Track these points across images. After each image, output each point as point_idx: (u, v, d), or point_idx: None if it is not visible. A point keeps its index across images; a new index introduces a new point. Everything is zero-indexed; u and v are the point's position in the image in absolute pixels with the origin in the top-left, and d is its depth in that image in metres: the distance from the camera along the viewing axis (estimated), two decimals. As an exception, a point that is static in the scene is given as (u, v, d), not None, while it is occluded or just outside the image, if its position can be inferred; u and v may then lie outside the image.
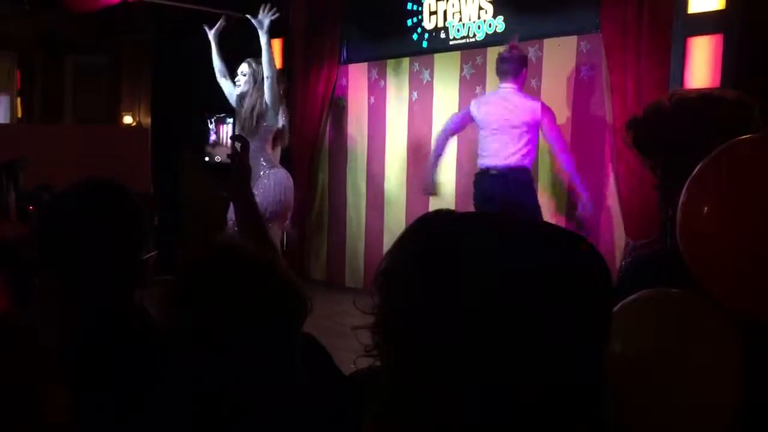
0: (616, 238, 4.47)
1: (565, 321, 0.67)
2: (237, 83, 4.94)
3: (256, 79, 4.86)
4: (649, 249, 1.52)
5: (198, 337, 1.13)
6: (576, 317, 0.68)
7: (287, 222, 5.06)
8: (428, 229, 0.75)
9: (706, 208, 0.95)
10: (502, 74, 4.49)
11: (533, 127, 4.37)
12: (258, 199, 4.64)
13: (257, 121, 4.81)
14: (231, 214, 4.32)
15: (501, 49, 4.78)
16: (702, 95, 1.43)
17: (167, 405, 1.14)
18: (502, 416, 0.67)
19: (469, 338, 0.67)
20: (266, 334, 1.15)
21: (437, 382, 0.68)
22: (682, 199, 0.98)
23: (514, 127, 4.35)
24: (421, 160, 5.53)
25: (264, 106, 4.79)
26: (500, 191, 4.33)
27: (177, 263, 1.26)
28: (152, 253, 1.43)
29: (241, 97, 4.91)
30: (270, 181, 4.77)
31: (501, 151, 4.38)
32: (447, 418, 0.68)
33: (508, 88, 4.45)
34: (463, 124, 4.71)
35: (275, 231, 4.85)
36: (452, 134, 4.79)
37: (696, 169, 0.99)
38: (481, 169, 4.50)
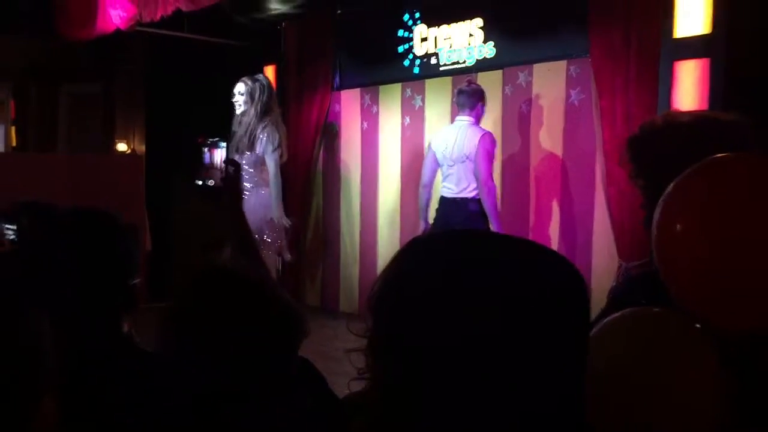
0: (608, 260, 4.49)
1: (546, 338, 0.69)
2: (236, 103, 4.97)
3: (254, 97, 4.89)
4: (640, 270, 1.54)
5: (195, 360, 1.14)
6: (557, 337, 0.70)
7: (282, 244, 5.04)
8: (418, 252, 0.77)
9: (678, 225, 0.97)
10: (459, 106, 4.70)
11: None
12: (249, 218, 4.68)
13: (250, 139, 4.84)
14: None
15: (493, 73, 4.86)
16: (697, 116, 1.46)
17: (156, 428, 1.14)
18: None
19: (454, 361, 0.68)
20: (263, 357, 1.16)
21: (423, 400, 0.70)
22: (656, 216, 1.00)
23: (466, 158, 4.52)
24: (415, 184, 5.57)
25: (255, 123, 4.83)
26: (457, 221, 4.51)
27: (171, 288, 1.28)
28: (137, 280, 1.45)
29: (241, 116, 4.94)
30: (253, 201, 4.77)
31: (459, 182, 4.59)
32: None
33: (464, 120, 4.64)
34: (434, 168, 4.82)
35: (271, 255, 4.86)
36: (431, 184, 4.87)
37: (669, 187, 1.01)
38: (441, 198, 4.72)
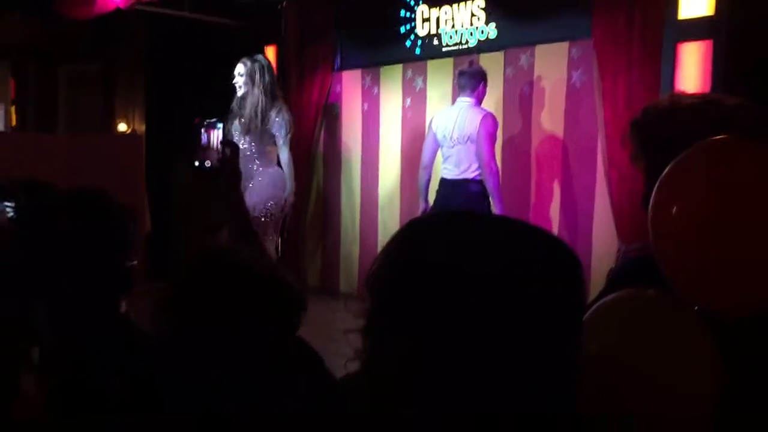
0: (609, 243, 4.49)
1: (541, 321, 0.69)
2: (236, 85, 4.96)
3: (254, 78, 4.88)
4: (639, 252, 1.54)
5: (192, 342, 1.14)
6: (554, 319, 0.70)
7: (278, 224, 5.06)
8: (416, 234, 0.77)
9: (674, 207, 0.97)
10: (460, 88, 4.67)
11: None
12: (252, 198, 4.71)
13: (263, 120, 4.83)
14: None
15: (495, 55, 4.84)
16: (702, 98, 1.45)
17: (154, 413, 1.14)
18: (479, 413, 0.69)
19: (452, 342, 0.69)
20: (261, 339, 1.16)
21: (419, 381, 0.70)
22: (653, 198, 1.00)
23: (468, 140, 4.49)
24: (415, 166, 5.56)
25: (266, 103, 4.83)
26: (458, 203, 4.49)
27: (170, 269, 1.28)
28: (134, 261, 1.44)
29: (242, 98, 4.92)
30: (264, 180, 4.82)
31: (459, 163, 4.56)
32: (428, 413, 0.70)
33: (465, 101, 4.60)
34: (434, 149, 4.80)
35: (270, 236, 4.87)
36: (431, 164, 4.85)
37: (666, 170, 1.00)
38: (442, 179, 4.69)
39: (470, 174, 4.54)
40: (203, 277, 1.20)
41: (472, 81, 4.60)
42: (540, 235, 0.76)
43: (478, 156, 4.47)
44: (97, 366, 1.23)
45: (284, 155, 4.95)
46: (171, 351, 1.16)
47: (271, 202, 4.84)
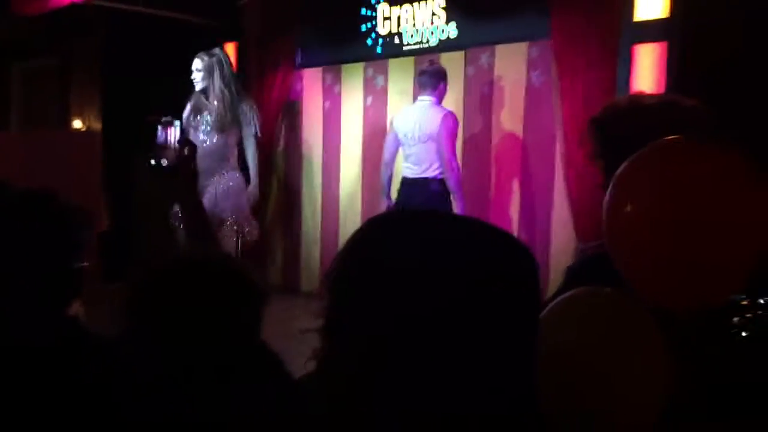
0: (567, 241, 4.55)
1: (500, 320, 0.70)
2: (194, 80, 4.89)
3: (212, 72, 4.82)
4: (596, 250, 1.57)
5: (147, 343, 1.13)
6: (511, 317, 0.71)
7: (248, 227, 5.01)
8: (374, 232, 0.77)
9: (626, 206, 0.99)
10: (421, 86, 4.68)
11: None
12: (218, 200, 4.66)
13: (233, 116, 4.78)
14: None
15: (455, 54, 4.87)
16: (661, 99, 1.48)
17: (103, 419, 1.13)
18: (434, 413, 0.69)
19: (409, 341, 0.69)
20: (219, 340, 1.15)
21: (376, 380, 0.70)
22: (607, 196, 1.02)
23: (428, 138, 4.51)
24: (376, 164, 5.56)
25: (233, 98, 4.78)
26: (418, 201, 4.50)
27: (129, 270, 1.26)
28: (85, 263, 1.41)
29: (203, 93, 4.86)
30: (232, 185, 4.79)
31: (420, 162, 4.58)
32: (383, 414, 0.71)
33: (426, 100, 4.61)
34: (395, 148, 4.81)
35: (230, 235, 4.82)
36: (392, 162, 4.86)
37: (620, 168, 1.02)
38: (403, 178, 4.70)
39: (431, 173, 4.56)
40: (158, 277, 1.18)
41: (432, 80, 4.61)
42: (498, 235, 0.77)
43: (440, 154, 4.49)
44: (43, 369, 1.21)
45: (251, 149, 4.92)
46: (123, 353, 1.15)
47: (235, 208, 4.81)
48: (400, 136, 4.69)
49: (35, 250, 1.32)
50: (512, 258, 0.74)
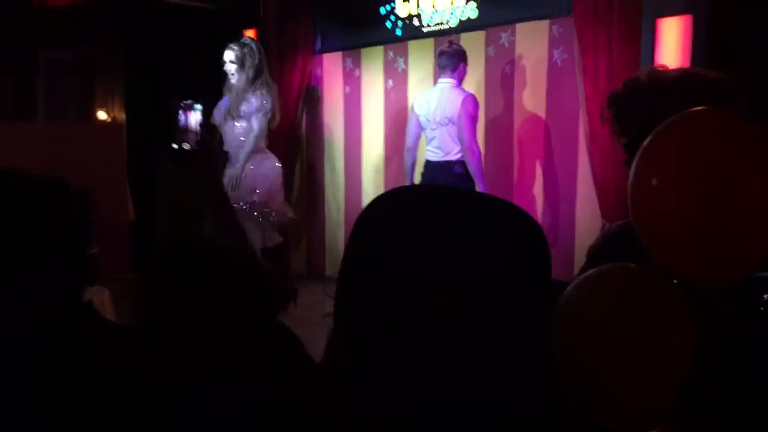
0: (592, 220, 4.51)
1: (509, 301, 0.66)
2: (228, 72, 4.92)
3: (244, 63, 4.84)
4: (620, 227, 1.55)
5: (165, 331, 1.13)
6: (514, 303, 0.66)
7: (284, 210, 5.05)
8: (370, 216, 0.72)
9: (652, 180, 0.97)
10: (441, 68, 4.64)
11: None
12: (241, 186, 4.69)
13: (242, 102, 4.81)
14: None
15: (476, 34, 4.83)
16: (682, 72, 1.44)
17: (121, 406, 1.13)
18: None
19: (401, 329, 0.65)
20: (235, 328, 1.16)
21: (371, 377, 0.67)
22: (632, 170, 1.00)
23: (449, 122, 4.49)
24: (399, 148, 5.55)
25: (247, 85, 4.80)
26: (443, 183, 4.43)
27: (150, 258, 1.26)
28: (95, 249, 1.41)
29: (231, 83, 4.90)
30: (260, 171, 4.82)
31: (443, 145, 4.55)
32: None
33: (446, 82, 4.58)
34: (417, 132, 4.78)
35: (258, 219, 4.86)
36: (415, 147, 4.84)
37: (645, 141, 1.00)
38: (426, 162, 4.68)
39: (454, 156, 4.54)
40: (176, 266, 1.19)
41: (451, 61, 4.58)
42: (495, 204, 0.71)
43: (460, 138, 4.46)
44: (59, 358, 1.22)
45: (254, 130, 4.84)
46: (139, 338, 1.16)
47: (258, 191, 4.83)
48: (422, 119, 4.66)
49: (47, 236, 1.32)
50: (514, 228, 0.69)
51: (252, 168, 4.83)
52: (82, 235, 1.37)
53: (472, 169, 4.45)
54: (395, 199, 0.74)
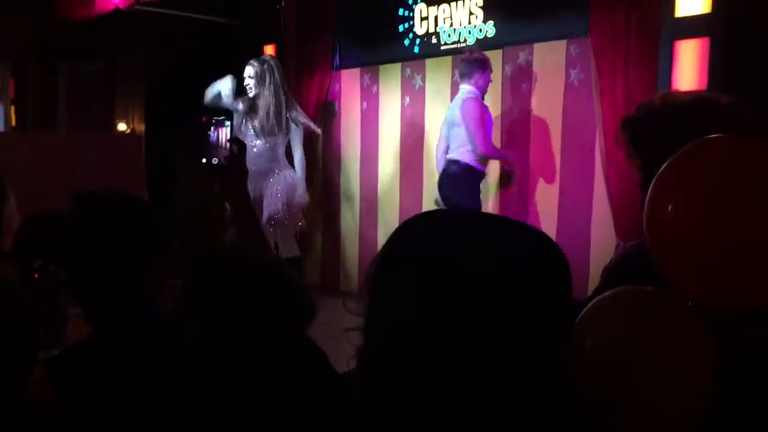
0: (607, 240, 4.51)
1: (528, 316, 0.71)
2: (247, 87, 4.99)
3: (264, 79, 4.91)
4: (635, 248, 1.56)
5: (207, 338, 1.17)
6: (537, 310, 0.72)
7: (299, 222, 5.15)
8: (408, 235, 0.79)
9: (668, 205, 0.98)
10: (460, 76, 4.84)
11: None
12: (266, 201, 4.76)
13: (278, 121, 4.89)
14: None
15: (493, 53, 4.89)
16: (695, 97, 1.46)
17: (175, 402, 1.17)
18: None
19: (441, 334, 0.71)
20: (270, 337, 1.18)
21: (407, 374, 0.72)
22: (648, 195, 1.01)
23: (455, 125, 4.72)
24: (414, 164, 5.58)
25: (278, 104, 4.89)
26: (444, 182, 4.80)
27: (182, 267, 1.30)
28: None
29: (253, 100, 4.96)
30: (279, 185, 4.89)
31: (453, 145, 4.78)
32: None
33: (463, 89, 4.74)
34: (446, 136, 4.92)
35: (289, 232, 4.95)
36: (443, 153, 4.93)
37: (663, 166, 1.02)
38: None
39: (457, 155, 4.72)
40: (211, 276, 1.22)
41: (466, 68, 4.72)
42: (520, 229, 0.78)
43: (468, 138, 4.62)
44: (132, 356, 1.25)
45: (298, 155, 5.07)
46: (183, 344, 1.19)
47: (283, 208, 4.90)
48: (447, 124, 4.85)
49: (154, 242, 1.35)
50: (539, 252, 0.75)
51: (284, 182, 4.92)
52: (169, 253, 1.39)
53: (493, 156, 4.74)
54: (432, 219, 0.82)
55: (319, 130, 5.06)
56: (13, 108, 7.51)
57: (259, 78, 4.91)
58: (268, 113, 4.87)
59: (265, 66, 4.93)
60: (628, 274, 1.20)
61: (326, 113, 6.25)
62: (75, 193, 1.37)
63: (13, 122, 7.50)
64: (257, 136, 4.90)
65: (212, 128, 1.67)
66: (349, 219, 6.22)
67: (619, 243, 4.28)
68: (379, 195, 5.97)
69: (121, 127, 7.30)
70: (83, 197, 1.37)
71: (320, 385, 1.23)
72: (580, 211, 4.76)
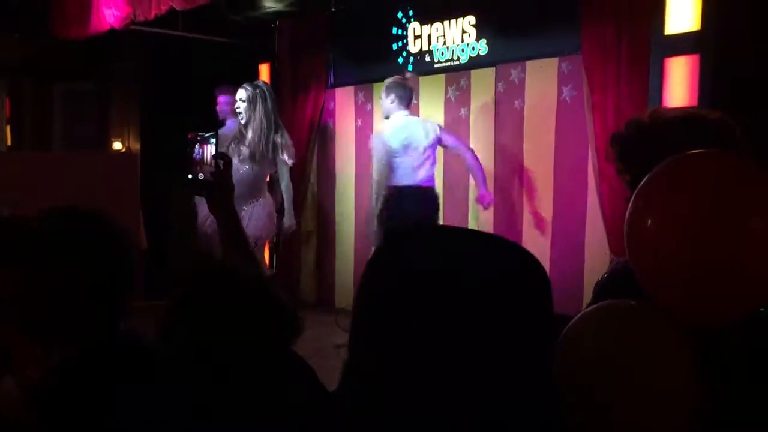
0: (601, 256, 4.53)
1: (510, 330, 0.73)
2: (237, 110, 4.97)
3: (255, 104, 4.89)
4: (624, 263, 1.57)
5: (191, 357, 1.17)
6: (519, 325, 0.73)
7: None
8: (391, 248, 0.80)
9: (646, 220, 1.00)
10: (400, 101, 4.94)
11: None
12: (247, 227, 4.73)
13: (266, 147, 4.85)
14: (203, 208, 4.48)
15: (486, 71, 4.93)
16: (683, 113, 1.48)
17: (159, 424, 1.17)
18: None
19: (426, 343, 0.72)
20: (257, 354, 1.19)
21: (393, 383, 0.73)
22: (629, 210, 1.03)
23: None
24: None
25: (268, 129, 4.86)
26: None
27: (167, 287, 1.30)
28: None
29: (246, 124, 4.94)
30: (259, 211, 4.84)
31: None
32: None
33: (422, 118, 5.05)
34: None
35: (261, 249, 4.93)
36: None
37: (642, 182, 1.03)
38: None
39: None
40: (198, 293, 1.23)
41: (408, 93, 4.91)
42: (501, 244, 0.79)
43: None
44: (102, 382, 1.25)
45: (285, 182, 5.00)
46: (169, 363, 1.19)
47: (263, 234, 4.89)
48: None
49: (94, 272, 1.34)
50: (517, 265, 0.77)
51: (261, 210, 4.87)
52: (124, 273, 1.39)
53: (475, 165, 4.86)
54: (415, 233, 0.83)
55: (290, 162, 4.95)
56: (8, 128, 7.52)
57: (251, 102, 4.90)
58: (259, 138, 4.85)
59: (258, 90, 4.92)
60: (617, 289, 1.21)
61: (321, 131, 6.28)
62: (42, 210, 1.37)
63: (9, 142, 7.51)
64: (244, 161, 4.86)
65: (197, 145, 1.68)
66: (345, 236, 6.23)
67: (613, 258, 4.29)
68: (373, 211, 5.98)
69: (117, 146, 7.31)
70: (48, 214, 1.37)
71: (305, 403, 1.23)
72: (574, 227, 4.78)
